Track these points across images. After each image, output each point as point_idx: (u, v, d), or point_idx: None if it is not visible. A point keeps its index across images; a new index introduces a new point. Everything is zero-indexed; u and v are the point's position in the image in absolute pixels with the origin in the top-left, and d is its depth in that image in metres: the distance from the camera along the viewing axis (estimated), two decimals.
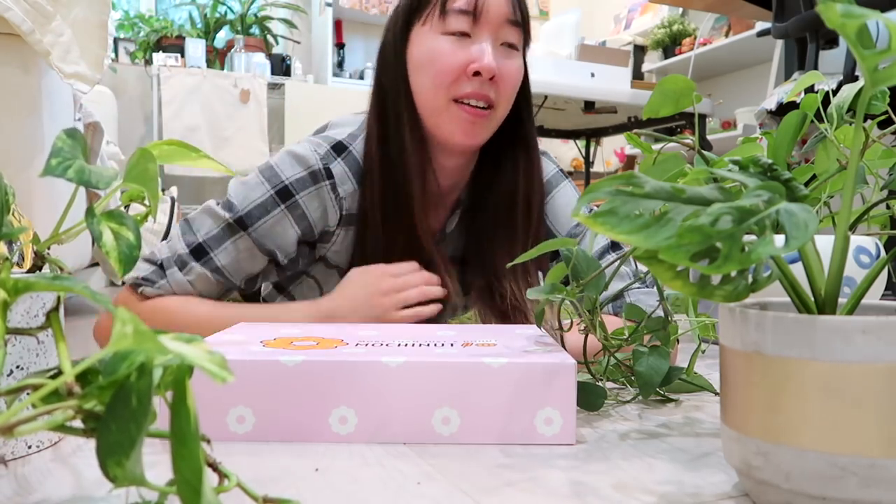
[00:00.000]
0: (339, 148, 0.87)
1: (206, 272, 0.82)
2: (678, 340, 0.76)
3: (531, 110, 0.92)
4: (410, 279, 0.82)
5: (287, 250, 0.85)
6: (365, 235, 0.86)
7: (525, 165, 0.90)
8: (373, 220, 0.85)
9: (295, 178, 0.84)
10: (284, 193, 0.83)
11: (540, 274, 0.90)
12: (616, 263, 0.61)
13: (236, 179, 0.86)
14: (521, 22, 0.84)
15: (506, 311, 0.85)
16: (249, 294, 1.10)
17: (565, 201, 0.95)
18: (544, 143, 4.87)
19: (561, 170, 0.98)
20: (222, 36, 4.11)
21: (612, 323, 0.77)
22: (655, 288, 0.68)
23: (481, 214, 0.90)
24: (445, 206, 0.93)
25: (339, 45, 4.30)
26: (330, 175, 0.85)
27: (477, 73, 0.80)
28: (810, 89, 0.68)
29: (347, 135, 0.89)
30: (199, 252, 0.82)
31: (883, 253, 0.66)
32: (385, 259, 0.84)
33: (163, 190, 2.60)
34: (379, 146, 0.85)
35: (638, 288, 0.83)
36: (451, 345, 0.58)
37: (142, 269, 0.82)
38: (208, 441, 0.33)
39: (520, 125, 0.90)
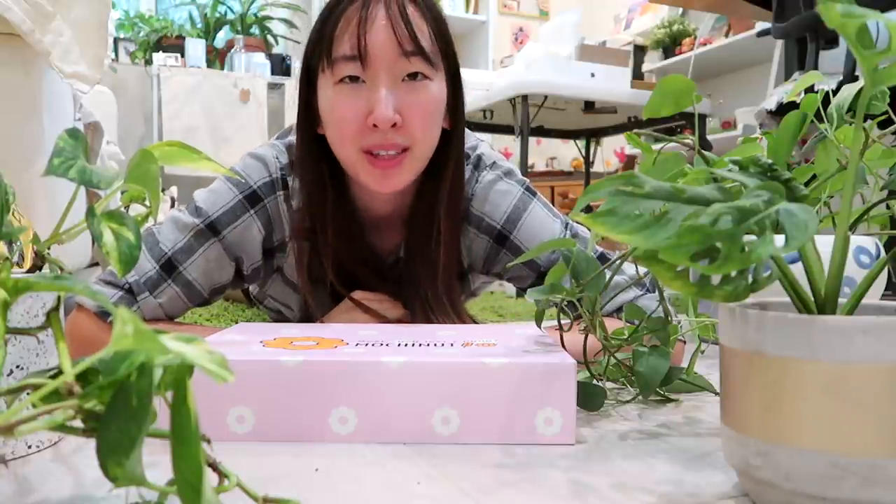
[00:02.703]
0: (294, 165, 0.87)
1: (178, 291, 0.80)
2: (684, 341, 0.76)
3: (461, 130, 0.86)
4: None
5: (253, 257, 0.85)
6: (314, 256, 0.85)
7: (452, 183, 0.86)
8: (323, 243, 0.84)
9: (262, 183, 0.84)
10: (253, 198, 0.83)
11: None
12: (614, 268, 0.61)
13: (202, 189, 0.85)
14: (418, 51, 0.76)
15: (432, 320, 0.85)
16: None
17: (538, 224, 0.89)
18: (544, 143, 4.87)
19: (528, 188, 0.92)
20: (222, 36, 4.10)
21: (613, 324, 0.77)
22: (656, 290, 0.68)
23: (411, 233, 0.88)
24: (397, 227, 0.90)
25: None
26: (286, 185, 0.85)
27: (376, 126, 0.76)
28: (810, 89, 0.68)
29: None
30: (169, 267, 0.80)
31: (883, 253, 0.66)
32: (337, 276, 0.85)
33: (162, 190, 2.60)
34: (306, 187, 0.84)
35: (641, 295, 0.82)
36: (451, 345, 0.58)
37: (107, 295, 0.77)
38: (208, 441, 0.33)
39: (447, 147, 0.85)
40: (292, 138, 0.90)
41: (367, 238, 0.90)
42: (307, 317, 0.94)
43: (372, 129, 0.77)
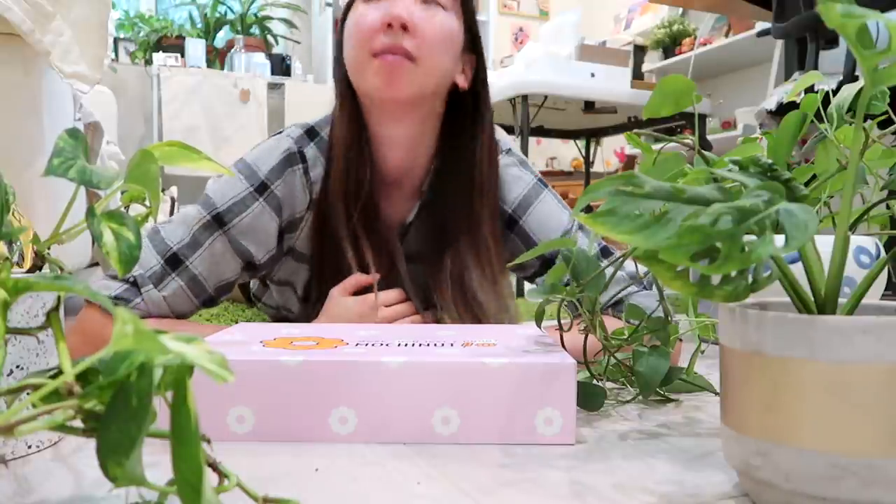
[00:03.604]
0: (311, 132, 0.90)
1: (182, 284, 0.81)
2: (681, 340, 0.76)
3: (486, 99, 0.91)
4: (387, 314, 0.85)
5: (269, 245, 0.86)
6: (325, 228, 0.87)
7: (486, 146, 0.89)
8: (335, 210, 0.86)
9: (269, 170, 0.85)
10: (262, 188, 0.85)
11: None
12: (614, 266, 0.61)
13: (214, 178, 0.86)
14: None
15: (470, 304, 0.85)
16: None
17: (548, 211, 0.92)
18: (544, 143, 4.86)
19: (540, 179, 0.95)
20: (222, 36, 4.10)
21: (612, 324, 0.77)
22: (655, 289, 0.68)
23: (441, 204, 0.89)
24: (405, 195, 0.91)
25: None
26: (304, 158, 0.87)
27: (390, 26, 0.81)
28: (810, 89, 0.68)
29: (321, 119, 0.91)
30: (175, 261, 0.80)
31: (883, 253, 0.66)
32: (347, 253, 0.85)
33: (163, 190, 2.59)
34: (343, 128, 0.87)
35: (638, 291, 0.83)
36: (451, 345, 0.58)
37: (112, 288, 0.79)
38: (208, 441, 0.33)
39: (475, 99, 0.89)
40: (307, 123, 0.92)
41: (377, 200, 0.90)
42: (307, 318, 0.93)
43: (384, 31, 0.81)
